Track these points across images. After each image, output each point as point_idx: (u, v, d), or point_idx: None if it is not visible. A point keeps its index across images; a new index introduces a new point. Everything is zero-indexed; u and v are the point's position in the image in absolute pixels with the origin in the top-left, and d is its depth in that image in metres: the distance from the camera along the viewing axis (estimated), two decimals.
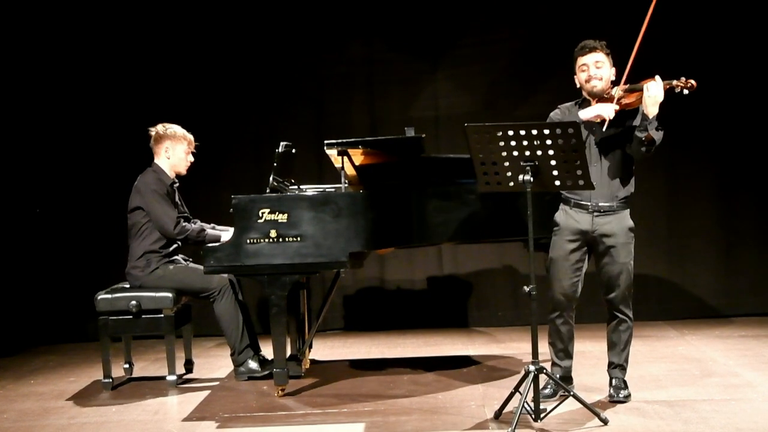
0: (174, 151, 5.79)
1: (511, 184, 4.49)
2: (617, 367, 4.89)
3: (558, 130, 4.34)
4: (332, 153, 5.33)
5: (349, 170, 5.36)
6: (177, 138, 5.79)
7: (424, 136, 5.47)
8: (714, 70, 7.20)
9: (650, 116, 4.59)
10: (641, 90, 4.62)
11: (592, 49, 4.78)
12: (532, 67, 7.26)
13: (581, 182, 4.43)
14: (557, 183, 4.45)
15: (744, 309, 7.28)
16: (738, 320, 7.14)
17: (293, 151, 5.76)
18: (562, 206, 4.85)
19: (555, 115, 4.88)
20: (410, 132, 5.49)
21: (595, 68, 4.76)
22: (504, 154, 4.43)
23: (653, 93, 4.58)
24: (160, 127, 5.82)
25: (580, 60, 4.79)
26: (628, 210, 4.82)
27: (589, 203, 4.75)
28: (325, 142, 5.27)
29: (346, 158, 5.28)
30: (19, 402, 5.54)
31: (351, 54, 7.46)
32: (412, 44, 7.41)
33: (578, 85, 4.83)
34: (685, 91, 4.66)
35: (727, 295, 7.33)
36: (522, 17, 7.27)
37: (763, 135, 7.25)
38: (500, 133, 4.40)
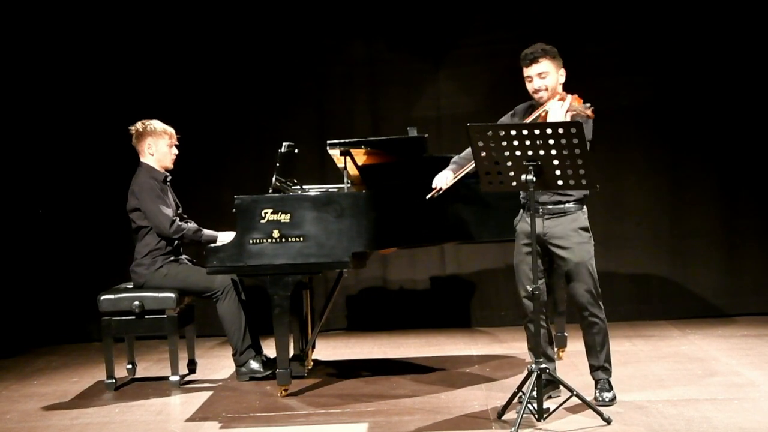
0: (157, 147, 5.77)
1: (514, 183, 4.48)
2: (599, 368, 4.84)
3: (560, 130, 4.34)
4: (335, 153, 5.34)
5: (352, 170, 5.36)
6: (157, 133, 5.77)
7: (426, 136, 5.47)
8: (714, 70, 7.21)
9: None
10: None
11: (534, 60, 4.70)
12: None
13: (584, 182, 4.42)
14: (560, 183, 4.44)
15: (747, 308, 7.27)
16: (741, 319, 7.13)
17: (295, 151, 5.76)
18: (521, 211, 4.83)
19: (505, 118, 4.89)
20: (413, 132, 5.50)
21: (539, 80, 4.71)
22: (506, 153, 4.42)
23: (550, 113, 4.59)
24: (138, 125, 5.80)
25: (525, 71, 4.74)
26: (581, 210, 4.77)
27: (539, 207, 4.72)
28: (328, 142, 5.27)
29: (348, 158, 5.28)
30: (22, 403, 5.55)
31: (353, 54, 7.45)
32: (414, 44, 7.41)
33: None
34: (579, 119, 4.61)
35: (729, 295, 7.32)
36: (524, 17, 7.26)
37: (764, 134, 7.24)
38: (503, 133, 4.40)
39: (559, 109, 4.60)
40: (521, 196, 4.81)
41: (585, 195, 4.78)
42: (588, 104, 4.64)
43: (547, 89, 4.71)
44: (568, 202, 4.73)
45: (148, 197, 5.65)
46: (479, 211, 5.50)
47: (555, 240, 4.74)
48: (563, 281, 5.09)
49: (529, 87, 4.76)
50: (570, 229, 4.73)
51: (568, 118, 4.57)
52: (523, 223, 4.80)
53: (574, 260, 4.72)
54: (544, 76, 4.71)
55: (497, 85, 7.26)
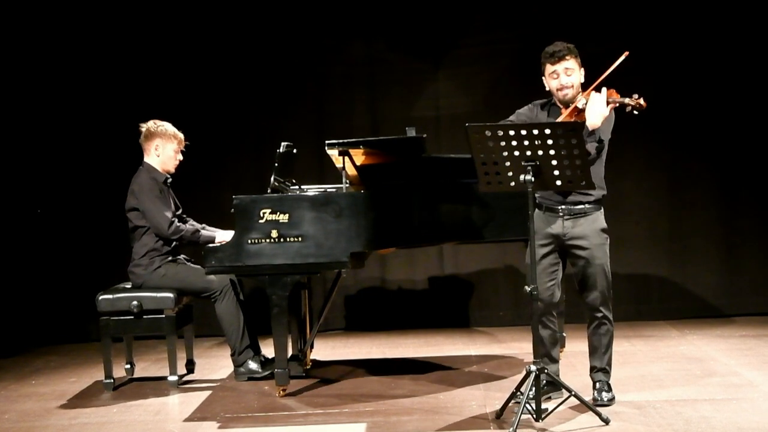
0: (164, 150, 5.75)
1: (512, 184, 4.48)
2: (600, 370, 4.83)
3: (559, 130, 4.34)
4: (333, 153, 5.33)
5: (350, 170, 5.36)
6: (167, 136, 5.75)
7: (425, 136, 5.46)
8: (714, 70, 7.21)
9: (589, 128, 4.56)
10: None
11: (562, 57, 4.70)
12: (533, 68, 7.17)
13: (583, 182, 4.42)
14: (558, 183, 4.44)
15: (745, 308, 7.27)
16: (739, 320, 7.13)
17: (294, 151, 5.76)
18: (536, 210, 4.81)
19: (524, 110, 4.87)
20: (411, 132, 5.49)
21: (566, 76, 4.71)
22: (505, 154, 4.42)
23: (590, 105, 4.55)
24: (151, 124, 5.78)
25: (551, 67, 4.73)
26: (601, 211, 4.77)
27: (560, 207, 4.72)
28: (326, 142, 5.27)
29: (347, 158, 5.27)
30: (21, 402, 5.55)
31: (352, 54, 7.45)
32: (414, 44, 7.41)
33: (547, 88, 4.79)
34: (635, 112, 4.61)
35: (728, 295, 7.32)
36: (524, 17, 7.26)
37: (764, 134, 7.24)
38: (501, 133, 4.39)
39: (600, 99, 4.56)
40: (538, 195, 4.79)
41: (603, 195, 4.78)
42: (635, 95, 4.62)
43: (572, 86, 4.71)
44: (588, 202, 4.72)
45: (148, 197, 5.64)
46: (478, 211, 5.49)
47: (574, 240, 4.73)
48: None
49: (554, 84, 4.74)
50: (590, 230, 4.72)
51: (609, 110, 4.57)
52: (539, 221, 4.76)
53: (593, 261, 4.71)
54: (571, 73, 4.72)
55: (497, 85, 7.27)
